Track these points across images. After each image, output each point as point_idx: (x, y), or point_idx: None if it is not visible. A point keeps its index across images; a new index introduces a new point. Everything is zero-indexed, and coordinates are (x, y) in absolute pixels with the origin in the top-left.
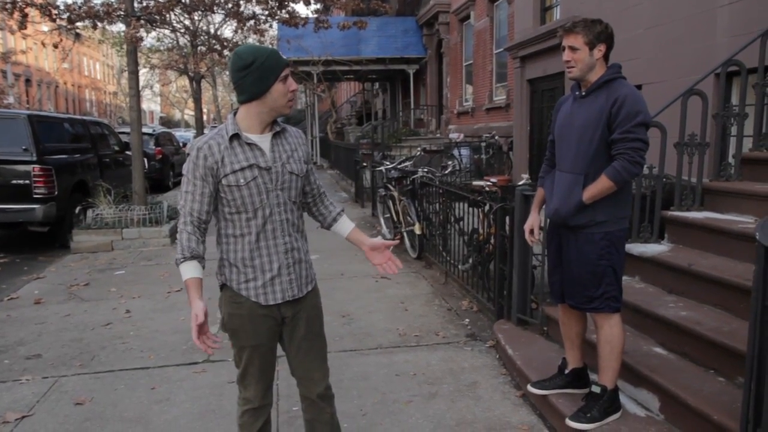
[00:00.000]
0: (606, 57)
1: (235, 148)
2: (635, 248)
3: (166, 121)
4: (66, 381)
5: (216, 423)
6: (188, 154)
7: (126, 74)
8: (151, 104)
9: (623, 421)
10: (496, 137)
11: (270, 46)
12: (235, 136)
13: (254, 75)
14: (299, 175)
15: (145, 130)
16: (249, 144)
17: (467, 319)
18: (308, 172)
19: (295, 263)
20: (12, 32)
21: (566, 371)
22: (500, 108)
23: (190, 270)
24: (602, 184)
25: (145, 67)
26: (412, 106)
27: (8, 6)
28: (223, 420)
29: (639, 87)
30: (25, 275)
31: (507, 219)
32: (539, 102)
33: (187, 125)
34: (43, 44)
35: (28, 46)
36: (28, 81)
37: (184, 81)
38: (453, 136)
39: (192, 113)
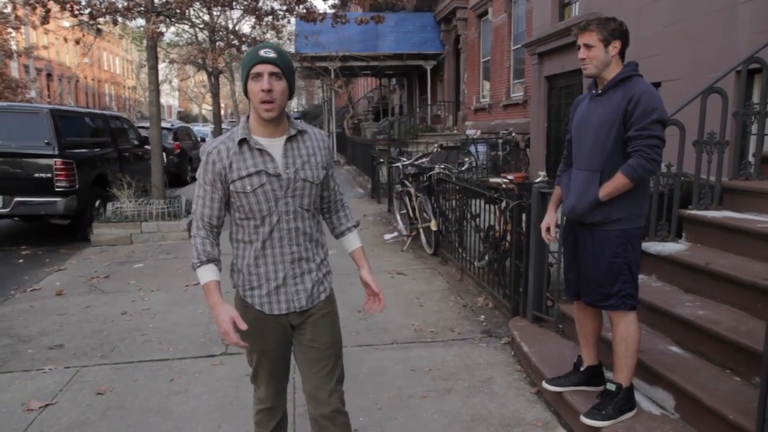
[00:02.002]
0: (622, 54)
1: (244, 153)
2: (652, 247)
3: (184, 116)
4: (87, 371)
5: (234, 414)
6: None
7: (145, 69)
8: (169, 99)
9: (638, 419)
10: (513, 134)
11: (260, 44)
12: (244, 141)
13: (242, 73)
14: (314, 183)
15: (163, 124)
16: (258, 149)
17: (483, 316)
18: (328, 178)
19: (303, 273)
20: (35, 27)
21: (581, 368)
22: (517, 104)
23: (207, 273)
24: (618, 181)
25: (163, 61)
26: (429, 102)
27: (31, 1)
28: (241, 412)
29: (658, 84)
30: (47, 267)
31: (523, 216)
32: (557, 99)
33: (205, 120)
34: (65, 40)
35: (50, 41)
36: (49, 75)
37: (202, 76)
38: (470, 132)
39: (210, 108)
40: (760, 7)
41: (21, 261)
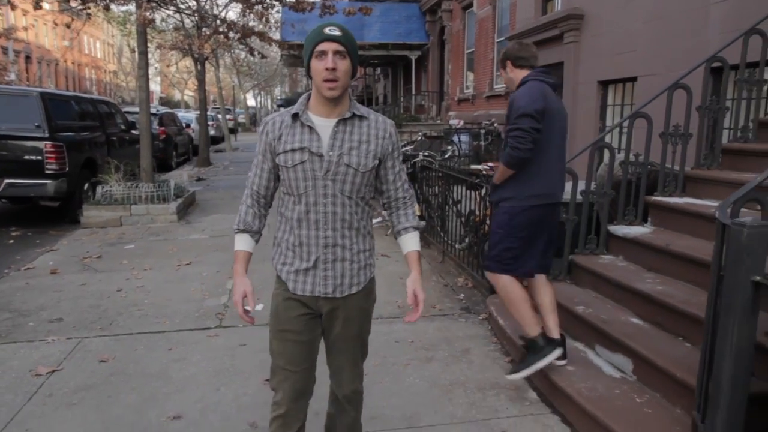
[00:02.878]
0: (520, 67)
1: (295, 128)
2: (620, 230)
3: (166, 102)
4: (89, 342)
5: (230, 379)
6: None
7: (126, 53)
8: (151, 84)
9: (599, 381)
10: (495, 124)
11: (324, 22)
12: (297, 116)
13: (305, 52)
14: (359, 170)
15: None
16: (308, 126)
17: (462, 294)
18: (385, 170)
19: (335, 260)
20: (13, 8)
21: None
22: (500, 96)
23: (240, 242)
24: (500, 168)
25: (149, 45)
26: (414, 92)
27: None
28: (237, 377)
29: (635, 79)
30: (38, 248)
31: None
32: None
33: (187, 106)
34: (55, 23)
35: (29, 23)
36: (28, 58)
37: (185, 62)
38: (453, 122)
39: (192, 94)
40: (729, 8)
41: (12, 242)
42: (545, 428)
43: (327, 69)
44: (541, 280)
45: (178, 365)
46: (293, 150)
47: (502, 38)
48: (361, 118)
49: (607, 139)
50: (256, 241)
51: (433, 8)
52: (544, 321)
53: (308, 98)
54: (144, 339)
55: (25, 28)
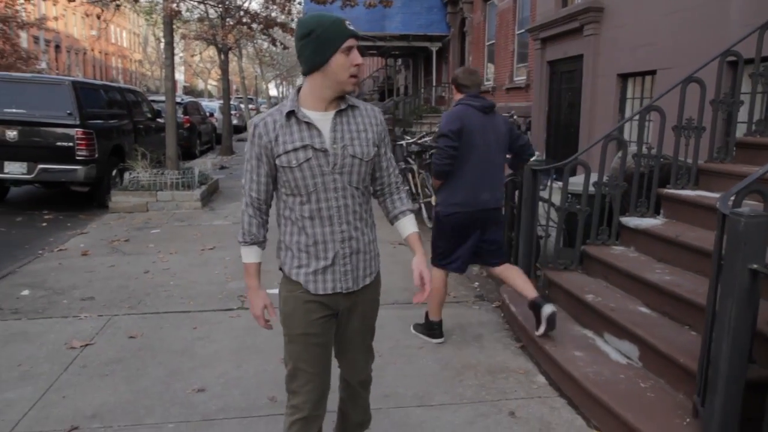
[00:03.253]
0: (460, 91)
1: (291, 126)
2: (631, 221)
3: (189, 91)
4: (118, 319)
5: (251, 357)
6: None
7: (150, 43)
8: (175, 73)
9: (607, 366)
10: (515, 116)
11: (335, 15)
12: (292, 113)
13: (313, 44)
14: (363, 159)
15: None
16: (305, 122)
17: (477, 283)
18: (379, 158)
19: (352, 254)
20: (55, 2)
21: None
22: (520, 88)
23: (249, 254)
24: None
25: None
26: (434, 84)
27: None
28: (257, 355)
29: (654, 72)
30: (69, 230)
31: (516, 191)
32: (558, 83)
33: (210, 95)
34: (87, 14)
35: (59, 13)
36: (57, 47)
37: (209, 51)
38: None
39: (215, 83)
40: (750, 1)
41: (44, 224)
42: (552, 410)
43: (356, 65)
44: (502, 269)
45: (202, 343)
46: (295, 149)
47: (522, 30)
48: (354, 107)
49: (626, 131)
50: (263, 249)
51: (454, 0)
52: (526, 294)
53: (296, 94)
54: (170, 318)
55: (56, 18)
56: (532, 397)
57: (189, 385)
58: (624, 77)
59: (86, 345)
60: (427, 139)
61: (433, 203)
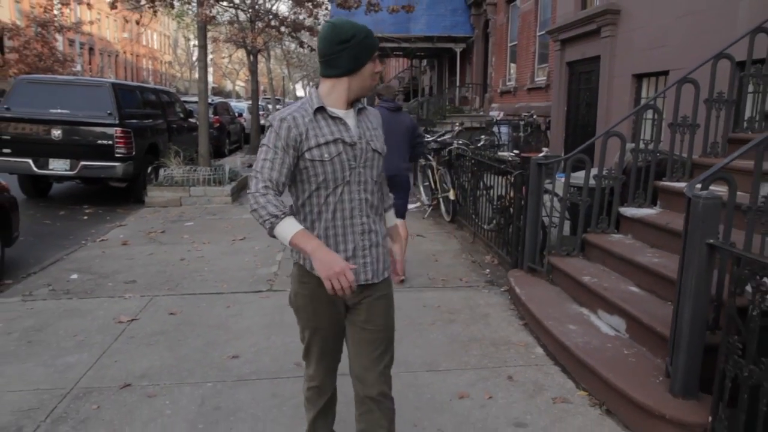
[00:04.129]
0: (379, 99)
1: (319, 122)
2: (629, 211)
3: (218, 92)
4: (159, 299)
5: (280, 330)
6: (268, 126)
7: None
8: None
9: (596, 338)
10: (535, 116)
11: (364, 25)
12: (320, 110)
13: (353, 51)
14: (382, 154)
15: None
16: (334, 118)
17: (488, 270)
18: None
19: (372, 246)
20: (90, 6)
21: None
22: (541, 88)
23: (291, 226)
24: None
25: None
26: (458, 84)
27: None
28: (285, 329)
29: (667, 73)
30: (109, 223)
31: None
32: (577, 84)
33: (238, 96)
34: (126, 20)
35: (93, 17)
36: (91, 50)
37: (238, 53)
38: (493, 113)
39: (243, 84)
40: (757, 5)
41: (85, 218)
42: (546, 375)
43: (377, 72)
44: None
45: (235, 319)
46: (327, 143)
47: (543, 32)
48: (363, 108)
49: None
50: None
51: (478, 2)
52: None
53: (316, 92)
54: (205, 298)
55: (91, 22)
56: (529, 365)
57: (224, 353)
58: (639, 78)
59: (132, 320)
60: (447, 137)
61: (451, 197)
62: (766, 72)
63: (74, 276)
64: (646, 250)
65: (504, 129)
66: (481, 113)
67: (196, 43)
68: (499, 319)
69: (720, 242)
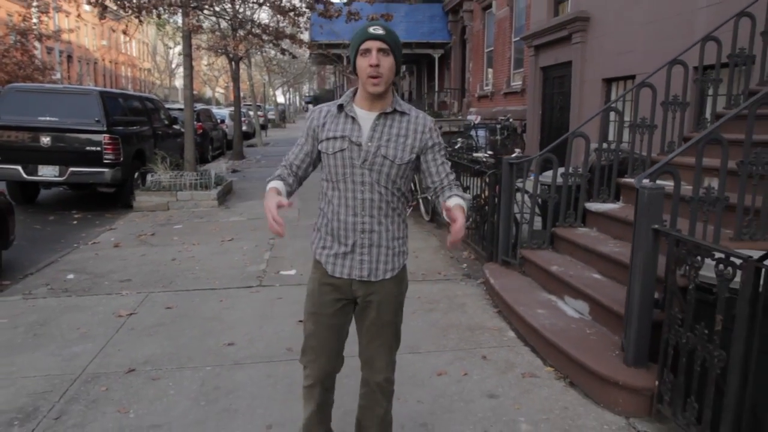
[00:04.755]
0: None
1: (339, 118)
2: (594, 206)
3: (198, 99)
4: (155, 295)
5: (269, 321)
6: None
7: (159, 52)
8: (183, 81)
9: (562, 320)
10: (511, 120)
11: (368, 22)
12: (342, 107)
13: (351, 51)
14: (395, 162)
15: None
16: (350, 116)
17: (465, 265)
18: (427, 163)
19: (372, 245)
20: (67, 14)
21: None
22: (516, 93)
23: (271, 183)
24: None
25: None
26: (437, 89)
27: (92, 1)
28: (275, 319)
29: (634, 77)
30: (99, 227)
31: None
32: (551, 88)
33: (218, 102)
34: (113, 30)
35: (73, 25)
36: (69, 58)
37: (218, 60)
38: (470, 118)
39: (222, 91)
40: (711, 15)
41: (75, 222)
42: (517, 354)
43: (371, 66)
44: None
45: (228, 311)
46: (334, 138)
47: (518, 38)
48: (402, 113)
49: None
50: (287, 194)
51: (455, 8)
52: None
53: (354, 92)
54: (199, 294)
55: (71, 31)
56: (502, 346)
57: (220, 341)
58: (608, 81)
59: (131, 314)
60: None
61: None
62: (715, 77)
63: (71, 276)
64: (609, 241)
65: (482, 132)
66: (460, 117)
67: (177, 50)
68: (475, 308)
69: (663, 227)
